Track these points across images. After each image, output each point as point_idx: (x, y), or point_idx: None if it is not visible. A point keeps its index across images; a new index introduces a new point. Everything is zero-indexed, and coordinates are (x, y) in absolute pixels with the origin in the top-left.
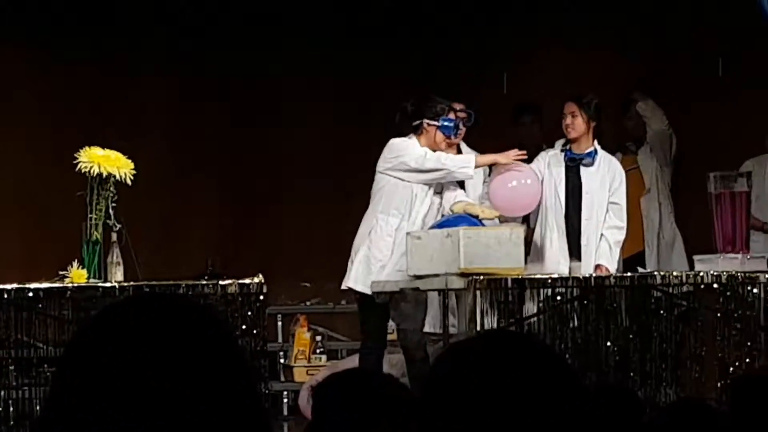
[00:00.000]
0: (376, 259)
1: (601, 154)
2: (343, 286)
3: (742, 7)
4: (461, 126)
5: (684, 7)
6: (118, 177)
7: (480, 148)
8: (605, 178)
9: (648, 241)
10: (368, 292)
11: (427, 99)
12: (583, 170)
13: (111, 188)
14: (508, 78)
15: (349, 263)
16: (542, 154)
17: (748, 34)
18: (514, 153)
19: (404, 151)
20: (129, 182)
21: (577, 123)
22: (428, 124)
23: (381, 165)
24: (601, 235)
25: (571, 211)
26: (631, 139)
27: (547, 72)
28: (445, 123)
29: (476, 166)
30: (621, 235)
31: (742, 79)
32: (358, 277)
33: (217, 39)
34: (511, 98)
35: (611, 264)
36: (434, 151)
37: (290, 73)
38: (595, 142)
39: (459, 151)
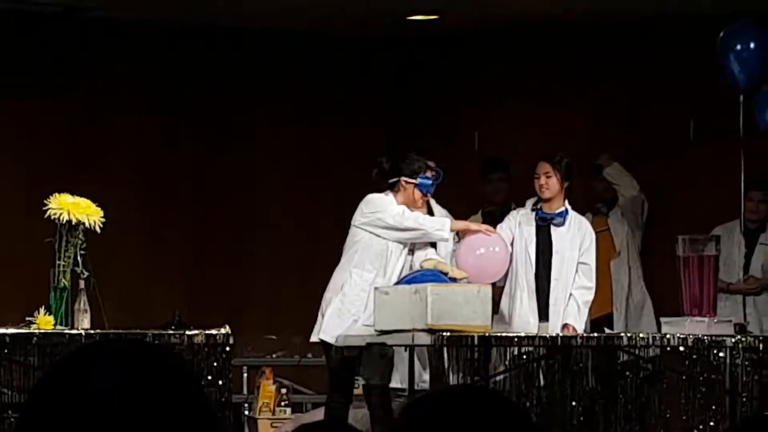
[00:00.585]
0: (349, 313)
1: (572, 214)
2: (313, 338)
3: (713, 69)
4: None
5: (655, 68)
6: (87, 224)
7: (450, 204)
8: (575, 239)
9: (617, 305)
10: (338, 345)
11: (405, 157)
12: (553, 230)
13: (80, 235)
14: (479, 135)
15: (320, 315)
16: (513, 213)
17: (719, 98)
18: (485, 227)
19: (382, 207)
20: (98, 230)
21: (551, 183)
22: (406, 182)
23: (357, 219)
24: (570, 295)
25: (540, 271)
26: (601, 199)
27: (517, 130)
28: (423, 181)
29: (450, 230)
30: (590, 296)
31: (713, 143)
32: (329, 330)
33: (191, 91)
34: (482, 155)
35: (578, 324)
36: (411, 208)
37: (263, 125)
38: (566, 201)
39: (429, 208)
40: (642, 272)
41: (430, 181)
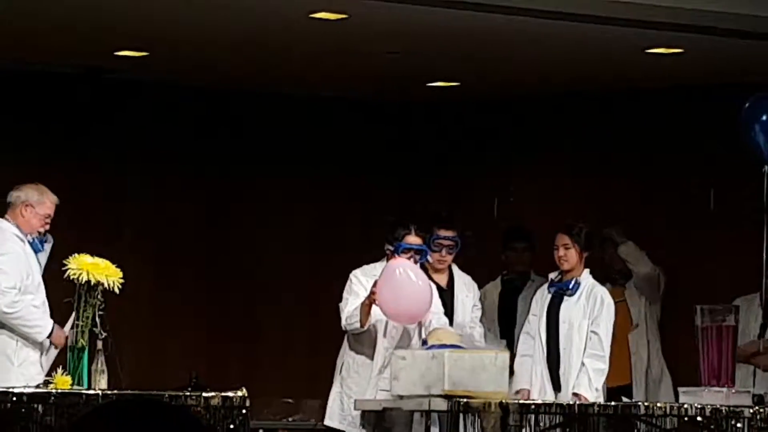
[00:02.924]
0: (347, 396)
1: (587, 283)
2: (325, 422)
3: (733, 139)
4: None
5: (675, 138)
6: (106, 285)
7: (469, 270)
8: (586, 308)
9: (636, 377)
10: (343, 428)
11: (390, 224)
12: (565, 300)
13: (98, 296)
14: (498, 203)
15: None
16: (540, 290)
17: (740, 167)
18: (372, 290)
19: (344, 293)
20: (117, 291)
21: (570, 255)
22: (387, 249)
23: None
24: (582, 363)
25: (551, 342)
26: (616, 269)
27: (536, 198)
28: (401, 247)
29: (360, 317)
30: (602, 364)
31: (734, 213)
32: (333, 414)
33: (199, 158)
34: (504, 224)
35: (589, 393)
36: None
37: (276, 195)
38: (586, 271)
39: (451, 274)
40: (660, 344)
41: (401, 248)
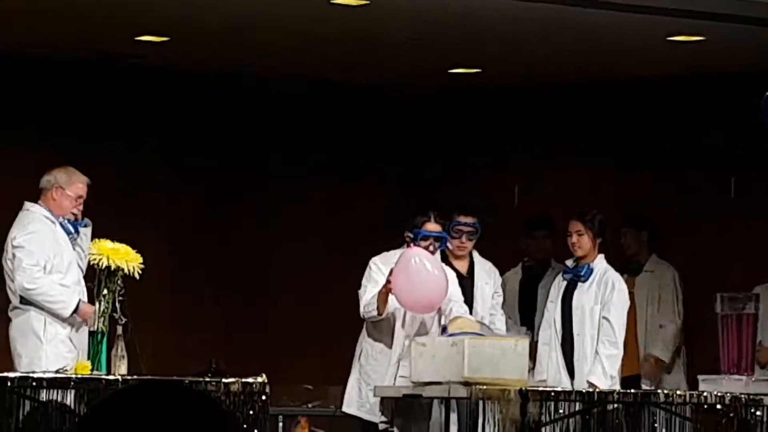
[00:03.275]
0: (365, 383)
1: (599, 269)
2: (343, 409)
3: (755, 128)
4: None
5: (696, 126)
6: (126, 271)
7: (488, 257)
8: (598, 294)
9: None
10: (362, 416)
11: (414, 211)
12: (579, 287)
13: (119, 281)
14: (519, 190)
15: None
16: (557, 277)
17: (761, 156)
18: (387, 279)
19: (363, 281)
20: (137, 276)
21: (583, 241)
22: (407, 236)
23: None
24: (597, 351)
25: (566, 328)
26: (632, 258)
27: (555, 186)
28: (420, 234)
29: (378, 306)
30: (614, 349)
31: (755, 202)
32: (351, 402)
33: (216, 146)
34: (525, 213)
35: (602, 381)
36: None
37: (298, 180)
38: (600, 257)
39: (471, 261)
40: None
41: (420, 235)
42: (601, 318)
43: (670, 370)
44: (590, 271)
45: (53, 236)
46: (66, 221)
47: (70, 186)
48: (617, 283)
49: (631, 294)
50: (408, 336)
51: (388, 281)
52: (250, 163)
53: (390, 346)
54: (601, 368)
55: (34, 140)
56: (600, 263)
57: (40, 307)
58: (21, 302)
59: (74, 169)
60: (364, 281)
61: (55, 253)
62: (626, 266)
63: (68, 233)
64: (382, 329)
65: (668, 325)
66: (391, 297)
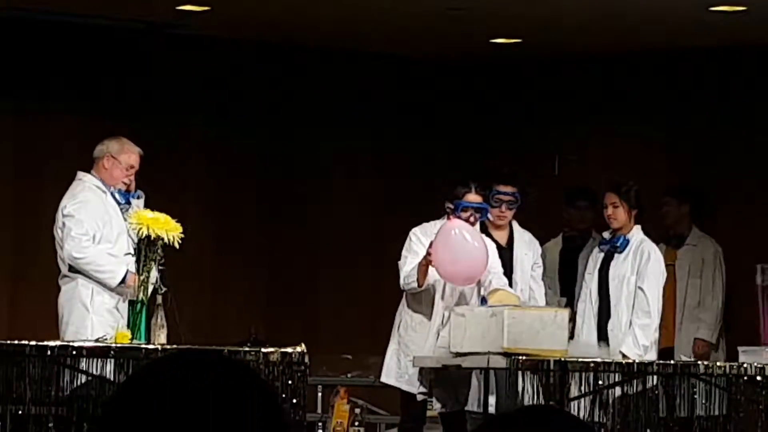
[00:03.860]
0: (404, 354)
1: (636, 240)
2: (381, 380)
3: None
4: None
5: (738, 95)
6: (166, 240)
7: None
8: (633, 264)
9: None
10: (400, 386)
11: (455, 182)
12: (615, 258)
13: (159, 251)
14: (559, 160)
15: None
16: (595, 251)
17: None
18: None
19: (403, 252)
20: (177, 246)
21: (618, 213)
22: (448, 207)
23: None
24: (630, 322)
25: (603, 299)
26: (673, 232)
27: (598, 156)
28: (461, 205)
29: (417, 277)
30: (647, 319)
31: None
32: (390, 372)
33: (269, 111)
34: (566, 183)
35: (632, 351)
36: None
37: (339, 148)
38: (637, 228)
39: (511, 232)
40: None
41: (460, 206)
42: (636, 288)
43: (717, 348)
44: (626, 242)
45: (103, 206)
46: (117, 191)
47: (122, 155)
48: (653, 253)
49: (672, 266)
50: (447, 307)
51: (428, 253)
52: (297, 132)
53: (429, 317)
54: (632, 338)
55: (83, 109)
56: (636, 234)
57: (87, 277)
58: (69, 270)
59: (127, 139)
60: (404, 252)
61: (104, 222)
62: (668, 237)
63: (119, 203)
64: (422, 300)
65: (711, 304)
66: (431, 269)
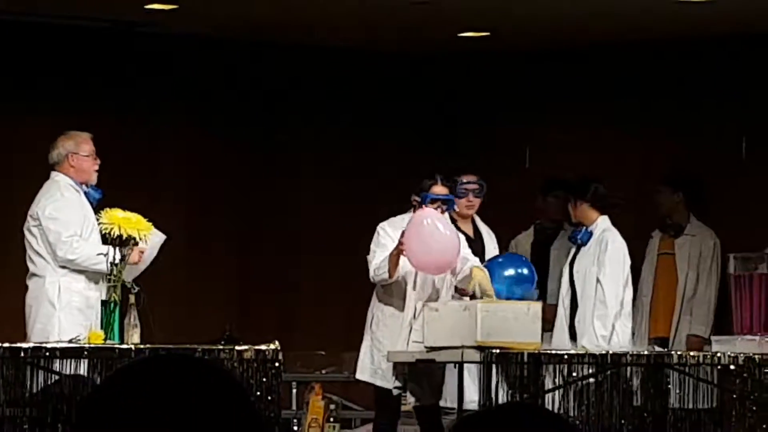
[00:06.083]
0: (377, 350)
1: (598, 231)
2: (357, 376)
3: (765, 87)
4: (442, 206)
5: (706, 86)
6: (137, 239)
7: (497, 218)
8: (595, 256)
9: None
10: (375, 382)
11: (421, 175)
12: (580, 251)
13: (131, 250)
14: (530, 152)
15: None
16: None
17: None
18: (399, 241)
19: (372, 246)
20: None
21: (575, 211)
22: (414, 200)
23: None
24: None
25: (571, 292)
26: (670, 222)
27: (567, 148)
28: (428, 197)
29: (389, 269)
30: (604, 309)
31: (766, 161)
32: (365, 369)
33: (239, 110)
34: (533, 173)
35: (591, 342)
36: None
37: (309, 144)
38: (602, 219)
39: (475, 226)
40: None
41: (428, 199)
42: (597, 279)
43: (710, 342)
44: (589, 235)
45: (80, 204)
46: (92, 188)
47: (80, 147)
48: (611, 243)
49: (670, 256)
50: (420, 299)
51: (400, 242)
52: (271, 130)
53: (401, 309)
54: (592, 330)
55: (57, 109)
56: (601, 225)
57: (52, 275)
58: (63, 267)
59: (71, 131)
60: (372, 246)
61: (85, 218)
62: (665, 226)
63: (91, 201)
64: (393, 294)
65: (705, 298)
66: (402, 260)
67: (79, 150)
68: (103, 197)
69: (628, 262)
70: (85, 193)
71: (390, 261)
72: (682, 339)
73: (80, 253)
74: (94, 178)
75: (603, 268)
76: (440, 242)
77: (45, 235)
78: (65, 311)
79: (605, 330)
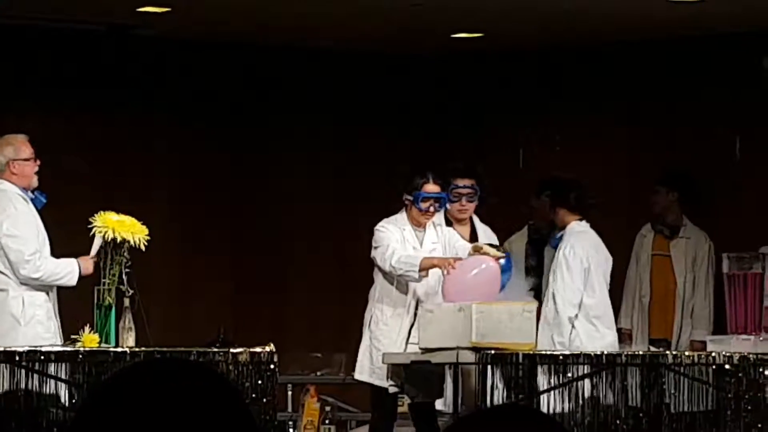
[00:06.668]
0: (376, 349)
1: (567, 234)
2: (355, 377)
3: (757, 87)
4: (433, 206)
5: (700, 86)
6: (132, 243)
7: (491, 219)
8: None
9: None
10: (373, 382)
11: (408, 174)
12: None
13: (125, 254)
14: (523, 153)
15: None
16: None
17: (765, 115)
18: (452, 260)
19: (377, 243)
20: (143, 248)
21: (553, 214)
22: (406, 198)
23: (372, 253)
24: None
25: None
26: (666, 222)
27: (560, 148)
28: (420, 196)
29: (420, 270)
30: (557, 317)
31: (759, 161)
32: (363, 369)
33: (231, 112)
34: (526, 174)
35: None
36: (418, 224)
37: (302, 146)
38: (576, 223)
39: (472, 225)
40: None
41: (420, 196)
42: None
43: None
44: (560, 238)
45: (31, 214)
46: (38, 193)
47: (19, 153)
48: (562, 249)
49: (666, 257)
50: (417, 299)
51: (451, 262)
52: (256, 130)
53: (400, 310)
54: (551, 337)
55: (49, 112)
56: (572, 228)
57: (15, 289)
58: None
59: (6, 135)
60: (384, 242)
61: (38, 232)
62: (660, 226)
63: (38, 207)
64: (392, 294)
65: (704, 302)
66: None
67: (19, 155)
68: (47, 202)
69: (588, 265)
70: (32, 200)
71: (424, 264)
72: (684, 343)
73: (44, 270)
74: (35, 182)
75: (554, 276)
76: (480, 292)
77: (5, 252)
78: (30, 325)
79: (562, 336)
